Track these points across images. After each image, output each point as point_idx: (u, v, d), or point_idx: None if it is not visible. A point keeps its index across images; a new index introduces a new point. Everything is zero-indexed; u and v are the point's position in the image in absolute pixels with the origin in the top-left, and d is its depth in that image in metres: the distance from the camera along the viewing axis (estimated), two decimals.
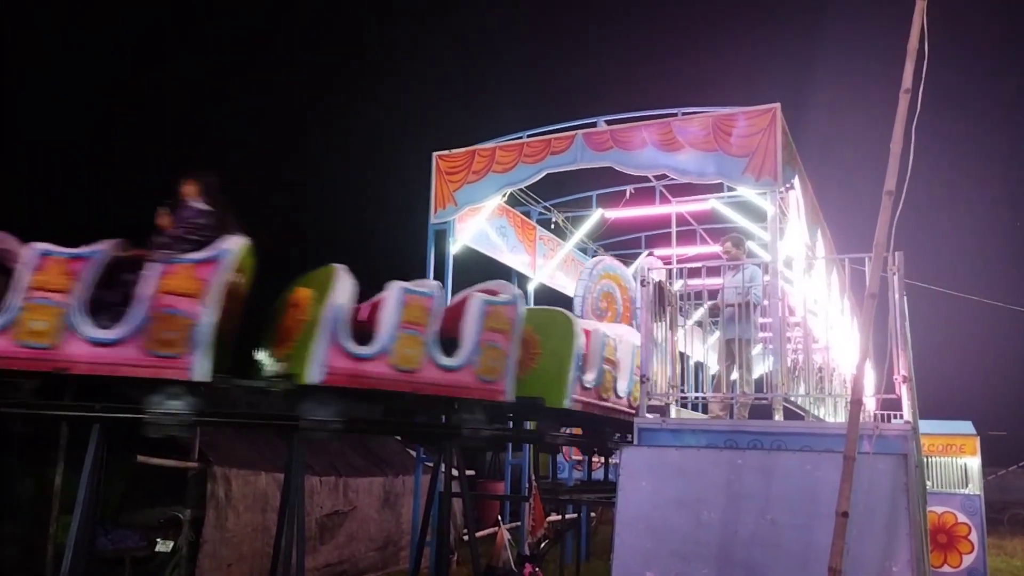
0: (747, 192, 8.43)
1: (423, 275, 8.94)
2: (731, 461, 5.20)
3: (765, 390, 6.33)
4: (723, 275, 7.64)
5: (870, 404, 6.79)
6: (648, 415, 5.99)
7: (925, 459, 11.69)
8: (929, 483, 10.85)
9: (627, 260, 13.83)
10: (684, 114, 7.65)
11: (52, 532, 7.53)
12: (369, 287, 6.05)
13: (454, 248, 8.90)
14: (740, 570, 4.97)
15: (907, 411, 5.43)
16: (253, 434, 9.04)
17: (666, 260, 11.23)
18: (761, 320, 7.46)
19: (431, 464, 7.87)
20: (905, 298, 5.50)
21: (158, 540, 7.88)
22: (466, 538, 7.76)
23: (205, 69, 28.47)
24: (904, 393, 5.43)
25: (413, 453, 10.02)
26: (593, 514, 12.55)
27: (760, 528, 4.98)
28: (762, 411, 6.81)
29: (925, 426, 8.80)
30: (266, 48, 31.63)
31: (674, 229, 11.28)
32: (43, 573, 7.35)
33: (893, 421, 5.83)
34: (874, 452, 4.72)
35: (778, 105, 7.07)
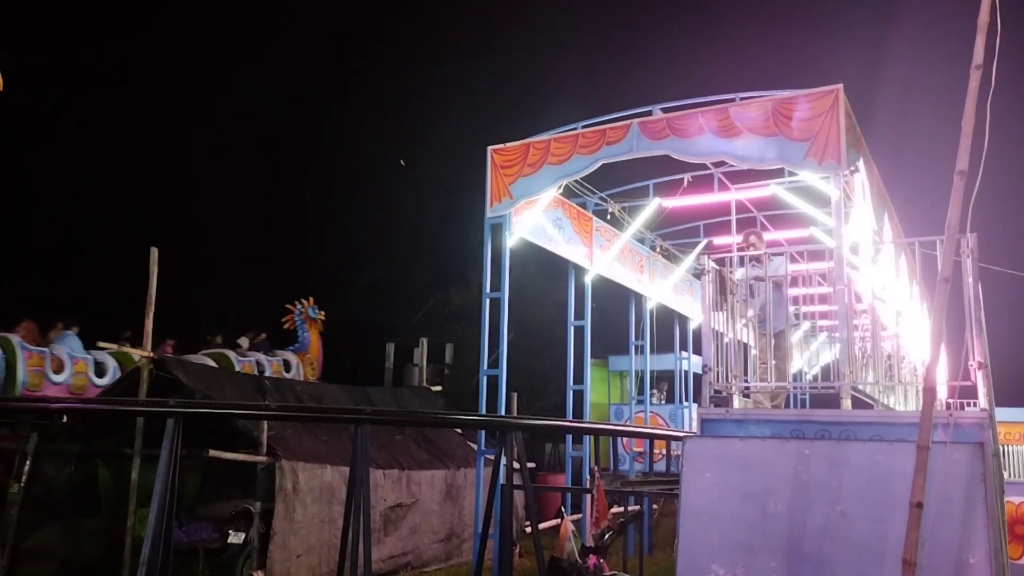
0: (810, 177, 8.23)
1: (480, 269, 9.00)
2: (798, 451, 5.10)
3: (832, 378, 6.18)
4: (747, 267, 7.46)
5: (942, 392, 6.58)
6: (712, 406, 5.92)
7: (1002, 448, 11.26)
8: (1006, 473, 10.45)
9: (686, 249, 13.69)
10: (742, 99, 7.50)
11: (130, 525, 7.82)
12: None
13: (511, 241, 8.92)
14: (810, 563, 4.87)
15: (983, 398, 5.24)
16: (318, 428, 9.23)
17: (726, 249, 11.05)
18: (825, 308, 7.28)
19: (492, 457, 7.93)
20: (979, 282, 5.30)
21: (230, 532, 8.13)
22: (528, 530, 7.78)
23: (255, 68, 29.06)
24: (979, 380, 5.24)
25: (474, 446, 10.10)
26: (655, 506, 12.46)
27: (830, 520, 4.87)
28: (829, 400, 6.65)
29: (1002, 414, 8.48)
30: (317, 38, 32.08)
31: (734, 217, 11.09)
32: (123, 564, 7.64)
33: (968, 409, 5.64)
34: (949, 441, 4.57)
35: (840, 86, 6.88)
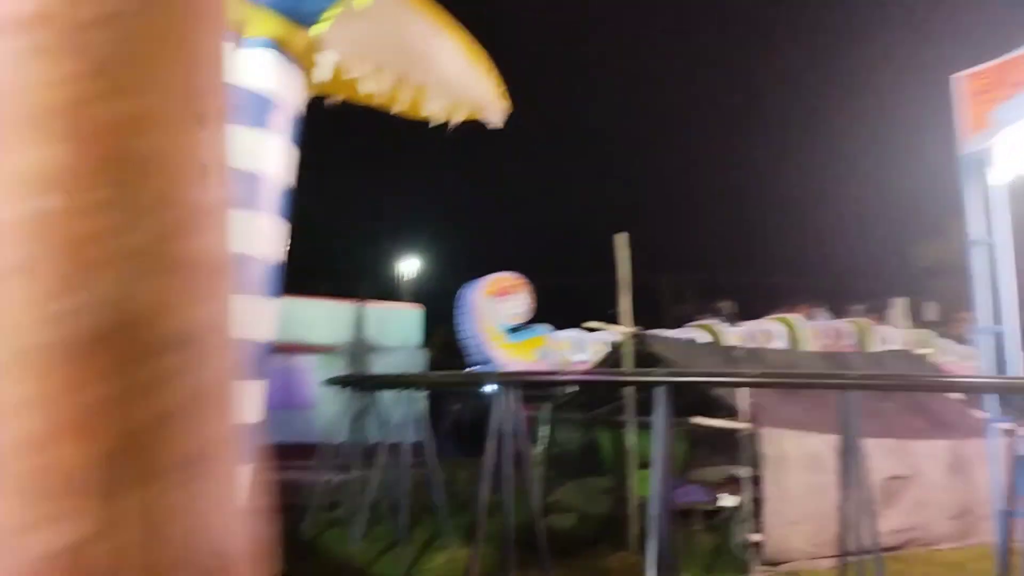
0: None
1: (957, 214, 7.78)
2: None
3: None
4: None
5: None
6: None
7: None
8: None
9: None
10: None
11: (630, 484, 8.60)
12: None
13: (1001, 177, 7.55)
14: None
15: None
16: (797, 395, 9.03)
17: None
18: None
19: (1007, 426, 6.89)
20: None
21: (722, 495, 8.44)
22: None
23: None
24: None
25: (980, 414, 8.89)
26: None
27: None
28: None
29: None
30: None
31: None
32: (627, 519, 8.44)
33: None
34: None
35: None
